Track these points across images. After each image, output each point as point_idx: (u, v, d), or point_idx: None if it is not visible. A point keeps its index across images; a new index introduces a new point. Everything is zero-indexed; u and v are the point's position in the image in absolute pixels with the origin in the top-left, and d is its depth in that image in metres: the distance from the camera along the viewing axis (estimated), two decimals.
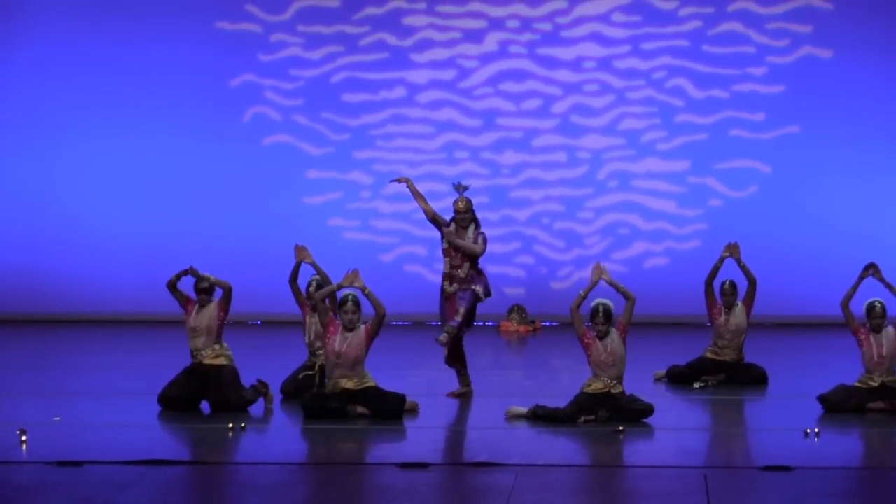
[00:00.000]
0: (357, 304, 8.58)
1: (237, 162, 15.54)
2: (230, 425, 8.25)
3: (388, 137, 15.66)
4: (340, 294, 8.71)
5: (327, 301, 8.82)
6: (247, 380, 9.16)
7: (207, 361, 9.03)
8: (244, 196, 15.44)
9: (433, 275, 14.41)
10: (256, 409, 9.02)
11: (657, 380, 10.58)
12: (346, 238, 15.31)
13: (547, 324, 15.20)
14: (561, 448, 8.01)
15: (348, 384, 8.58)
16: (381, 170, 15.35)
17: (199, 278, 9.12)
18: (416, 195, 9.55)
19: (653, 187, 15.46)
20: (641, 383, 9.67)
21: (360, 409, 8.62)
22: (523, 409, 8.69)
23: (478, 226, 9.50)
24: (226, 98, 15.57)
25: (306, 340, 9.60)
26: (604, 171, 15.58)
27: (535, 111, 15.60)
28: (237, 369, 9.12)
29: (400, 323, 14.90)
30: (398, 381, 9.29)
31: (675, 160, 15.43)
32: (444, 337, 9.31)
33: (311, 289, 9.39)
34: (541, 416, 8.55)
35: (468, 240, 9.42)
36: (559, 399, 8.71)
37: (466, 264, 9.40)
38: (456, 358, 9.60)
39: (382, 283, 11.33)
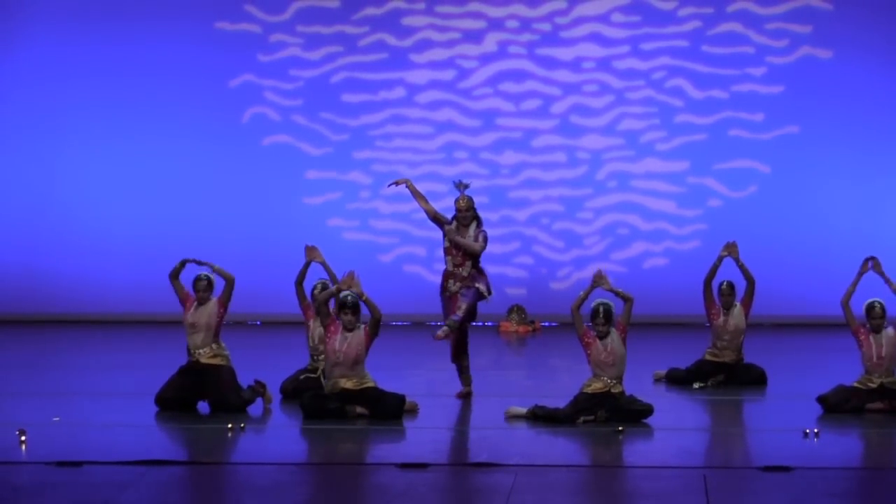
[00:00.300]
0: (356, 305, 8.58)
1: (236, 162, 15.49)
2: (229, 426, 8.22)
3: (387, 138, 15.62)
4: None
5: (332, 304, 8.81)
6: (245, 380, 9.10)
7: (204, 360, 8.94)
8: (244, 196, 15.40)
9: (433, 275, 14.30)
10: (255, 409, 8.98)
11: (657, 380, 10.53)
12: (346, 238, 15.25)
13: (546, 324, 15.14)
14: (560, 448, 7.99)
15: (347, 384, 8.57)
16: (380, 170, 15.30)
17: (200, 265, 9.04)
18: (417, 195, 9.52)
19: (652, 187, 15.41)
20: (641, 384, 9.64)
21: (359, 410, 8.60)
22: (523, 410, 8.67)
23: (479, 224, 9.45)
24: (225, 98, 15.51)
25: (310, 344, 9.55)
26: (603, 171, 15.53)
27: (535, 111, 15.55)
28: (234, 369, 9.05)
29: (399, 323, 14.86)
30: (398, 382, 9.25)
31: (674, 160, 15.37)
32: (442, 331, 9.22)
33: (316, 291, 9.29)
34: (540, 417, 8.54)
35: (469, 238, 9.37)
36: (558, 399, 8.69)
37: (468, 263, 9.37)
38: (460, 354, 9.56)
39: (382, 283, 11.36)
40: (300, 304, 9.58)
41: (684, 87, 15.34)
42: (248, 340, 12.89)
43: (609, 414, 8.45)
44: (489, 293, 9.46)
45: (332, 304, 8.86)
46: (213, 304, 9.02)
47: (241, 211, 15.39)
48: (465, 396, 9.60)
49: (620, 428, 8.19)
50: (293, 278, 9.61)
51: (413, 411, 8.85)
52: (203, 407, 8.99)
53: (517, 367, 12.76)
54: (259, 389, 9.08)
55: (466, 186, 9.51)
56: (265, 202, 15.43)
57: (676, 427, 8.58)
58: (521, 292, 15.45)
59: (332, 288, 8.84)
